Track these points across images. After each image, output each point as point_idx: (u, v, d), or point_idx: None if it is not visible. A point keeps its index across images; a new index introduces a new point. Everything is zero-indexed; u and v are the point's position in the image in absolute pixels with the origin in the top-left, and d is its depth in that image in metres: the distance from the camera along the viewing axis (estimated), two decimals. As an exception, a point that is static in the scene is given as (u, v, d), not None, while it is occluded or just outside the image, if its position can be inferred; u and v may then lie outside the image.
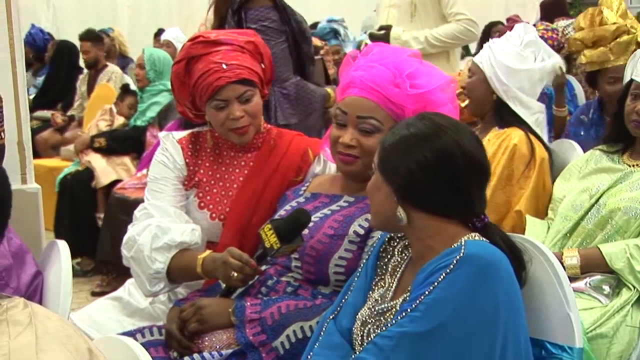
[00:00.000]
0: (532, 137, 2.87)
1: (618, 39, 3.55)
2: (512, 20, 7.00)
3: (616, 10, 3.63)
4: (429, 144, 1.65)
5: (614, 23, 3.57)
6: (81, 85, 6.69)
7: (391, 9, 3.95)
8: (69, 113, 6.72)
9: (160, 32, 8.57)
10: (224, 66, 2.20)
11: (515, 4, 12.03)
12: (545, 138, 2.99)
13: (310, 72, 3.30)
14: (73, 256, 4.10)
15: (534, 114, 2.96)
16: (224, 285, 2.08)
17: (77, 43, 7.24)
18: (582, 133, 3.65)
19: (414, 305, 1.56)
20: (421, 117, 1.72)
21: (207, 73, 2.21)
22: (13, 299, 1.32)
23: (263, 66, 2.32)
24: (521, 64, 2.95)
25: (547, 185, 2.89)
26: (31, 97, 6.71)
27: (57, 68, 7.04)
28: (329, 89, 3.54)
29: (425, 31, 3.88)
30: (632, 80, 2.65)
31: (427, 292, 1.56)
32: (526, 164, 2.80)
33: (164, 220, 2.22)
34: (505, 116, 2.93)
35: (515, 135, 2.83)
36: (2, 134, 2.21)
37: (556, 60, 2.98)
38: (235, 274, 1.98)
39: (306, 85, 3.13)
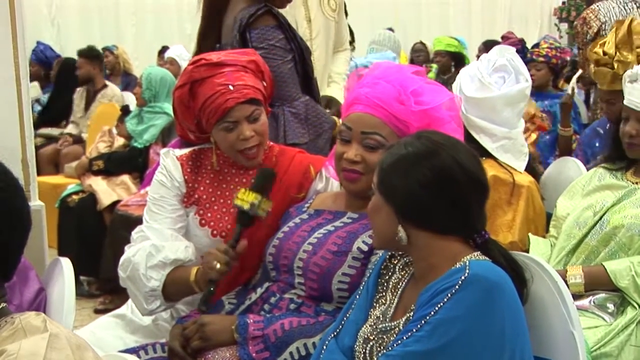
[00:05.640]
0: (507, 165, 2.85)
1: (600, 68, 3.39)
2: (507, 38, 7.00)
3: (619, 37, 3.34)
4: (429, 162, 1.64)
5: (603, 52, 3.36)
6: (79, 102, 6.69)
7: (315, 40, 3.80)
8: (66, 130, 6.74)
9: (164, 49, 8.60)
10: (231, 87, 2.20)
11: (518, 21, 12.08)
12: (521, 162, 2.92)
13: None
14: (79, 275, 4.07)
15: (498, 141, 2.90)
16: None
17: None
18: (597, 144, 3.62)
19: (419, 326, 1.56)
20: (418, 136, 1.72)
21: (214, 95, 2.20)
22: (24, 313, 1.33)
23: (264, 84, 2.32)
24: (482, 92, 2.89)
25: (537, 208, 2.87)
26: (36, 113, 6.72)
27: (61, 85, 7.04)
28: (335, 118, 3.52)
29: (333, 72, 3.78)
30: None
31: (432, 313, 1.55)
32: (510, 192, 2.79)
33: (159, 241, 2.22)
34: (475, 144, 2.84)
35: (489, 167, 2.74)
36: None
37: (522, 87, 2.88)
38: (219, 265, 2.01)
39: (316, 105, 3.13)
